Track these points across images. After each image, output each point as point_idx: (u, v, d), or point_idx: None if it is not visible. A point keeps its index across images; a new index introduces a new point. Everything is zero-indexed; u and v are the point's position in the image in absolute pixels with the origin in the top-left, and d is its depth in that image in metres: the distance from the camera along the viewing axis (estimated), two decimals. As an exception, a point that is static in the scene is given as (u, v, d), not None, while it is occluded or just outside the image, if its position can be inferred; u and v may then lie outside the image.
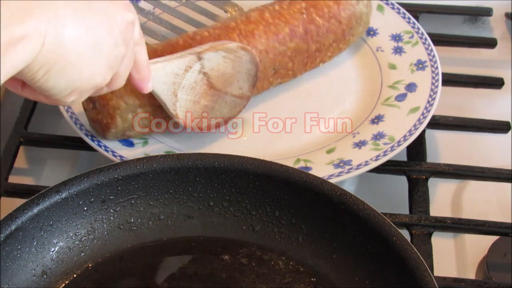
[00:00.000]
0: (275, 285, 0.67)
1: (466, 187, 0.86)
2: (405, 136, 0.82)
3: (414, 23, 0.94)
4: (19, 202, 0.66)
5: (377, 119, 0.85)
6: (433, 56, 0.90)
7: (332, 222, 0.68)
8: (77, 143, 0.83)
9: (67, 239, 0.68)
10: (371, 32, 0.95)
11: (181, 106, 0.77)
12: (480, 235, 0.79)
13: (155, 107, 0.78)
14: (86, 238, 0.69)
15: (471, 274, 0.78)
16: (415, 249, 0.63)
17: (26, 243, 0.65)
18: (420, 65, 0.90)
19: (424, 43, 0.92)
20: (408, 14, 0.95)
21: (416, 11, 1.01)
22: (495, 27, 1.07)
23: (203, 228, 0.71)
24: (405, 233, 0.69)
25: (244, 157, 0.69)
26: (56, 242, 0.68)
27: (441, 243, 0.80)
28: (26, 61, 0.50)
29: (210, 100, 0.80)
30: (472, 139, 0.92)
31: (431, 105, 0.85)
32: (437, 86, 0.87)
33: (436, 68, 0.89)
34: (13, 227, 0.64)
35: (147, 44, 0.68)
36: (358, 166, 0.79)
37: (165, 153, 0.76)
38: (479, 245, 0.79)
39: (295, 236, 0.70)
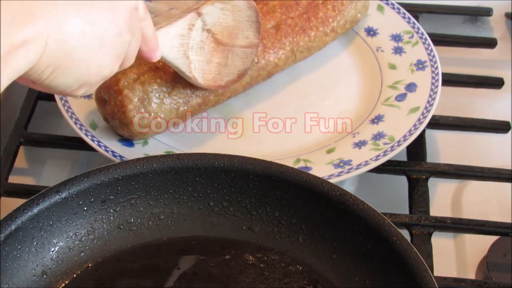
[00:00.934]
0: (275, 285, 0.67)
1: (466, 187, 0.86)
2: (405, 136, 0.82)
3: (414, 23, 0.94)
4: (19, 202, 0.66)
5: (377, 119, 0.85)
6: (433, 56, 0.90)
7: (332, 222, 0.68)
8: (77, 143, 0.83)
9: (67, 239, 0.68)
10: (371, 32, 0.95)
11: (195, 68, 0.77)
12: (480, 235, 0.79)
13: (155, 69, 0.79)
14: (86, 238, 0.69)
15: (471, 274, 0.78)
16: (415, 249, 0.63)
17: (26, 243, 0.65)
18: (420, 65, 0.90)
19: (424, 43, 0.92)
20: (408, 14, 0.95)
21: (416, 11, 1.01)
22: (495, 27, 1.07)
23: (203, 228, 0.71)
24: (405, 233, 0.69)
25: (244, 157, 0.69)
26: (56, 242, 0.68)
27: (441, 243, 0.80)
28: (28, 65, 0.50)
29: (221, 57, 0.80)
30: (472, 139, 0.92)
31: (431, 105, 0.85)
32: (437, 86, 0.87)
33: (436, 68, 0.89)
34: (13, 227, 0.64)
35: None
36: (358, 166, 0.79)
37: (165, 153, 0.76)
38: (479, 245, 0.79)
39: (295, 236, 0.70)
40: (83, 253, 0.69)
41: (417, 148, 0.86)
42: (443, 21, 1.06)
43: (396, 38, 0.94)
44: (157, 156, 0.70)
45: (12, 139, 0.86)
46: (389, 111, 0.86)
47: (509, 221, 0.78)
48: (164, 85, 0.79)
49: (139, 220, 0.71)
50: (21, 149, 0.87)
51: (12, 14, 0.48)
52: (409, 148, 0.85)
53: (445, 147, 0.91)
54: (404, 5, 0.97)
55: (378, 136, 0.83)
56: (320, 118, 0.87)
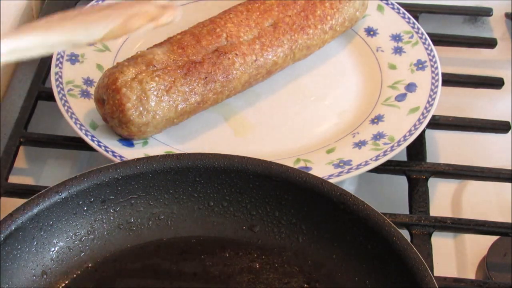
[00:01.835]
0: (275, 285, 0.67)
1: (466, 187, 0.86)
2: (405, 136, 0.82)
3: (414, 23, 0.94)
4: (19, 202, 0.66)
5: (377, 119, 0.85)
6: (433, 56, 0.90)
7: (332, 222, 0.68)
8: (77, 143, 0.83)
9: (67, 239, 0.68)
10: (371, 32, 0.95)
11: None
12: (480, 235, 0.79)
13: (153, 67, 0.79)
14: (86, 238, 0.69)
15: (471, 274, 0.78)
16: (415, 249, 0.63)
17: (26, 243, 0.65)
18: (420, 65, 0.90)
19: (424, 43, 0.92)
20: (408, 14, 0.95)
21: (416, 11, 1.01)
22: (495, 27, 1.07)
23: (203, 228, 0.71)
24: (405, 233, 0.69)
25: (244, 157, 0.69)
26: (56, 242, 0.68)
27: (441, 243, 0.80)
28: None
29: None
30: (472, 139, 0.92)
31: (431, 105, 0.85)
32: (437, 86, 0.87)
33: (436, 68, 0.89)
34: (13, 227, 0.64)
35: None
36: (358, 166, 0.79)
37: (165, 153, 0.76)
38: (479, 245, 0.79)
39: (295, 236, 0.70)
40: (83, 253, 0.69)
41: (417, 148, 0.86)
42: (443, 21, 1.06)
43: (396, 38, 0.94)
44: (157, 156, 0.70)
45: (12, 139, 0.86)
46: (389, 111, 0.86)
47: (509, 221, 0.78)
48: (162, 83, 0.79)
49: (139, 220, 0.71)
50: (21, 149, 0.87)
51: None
52: (409, 148, 0.85)
53: (445, 147, 0.91)
54: (404, 5, 0.97)
55: (378, 136, 0.83)
56: (320, 118, 0.87)
